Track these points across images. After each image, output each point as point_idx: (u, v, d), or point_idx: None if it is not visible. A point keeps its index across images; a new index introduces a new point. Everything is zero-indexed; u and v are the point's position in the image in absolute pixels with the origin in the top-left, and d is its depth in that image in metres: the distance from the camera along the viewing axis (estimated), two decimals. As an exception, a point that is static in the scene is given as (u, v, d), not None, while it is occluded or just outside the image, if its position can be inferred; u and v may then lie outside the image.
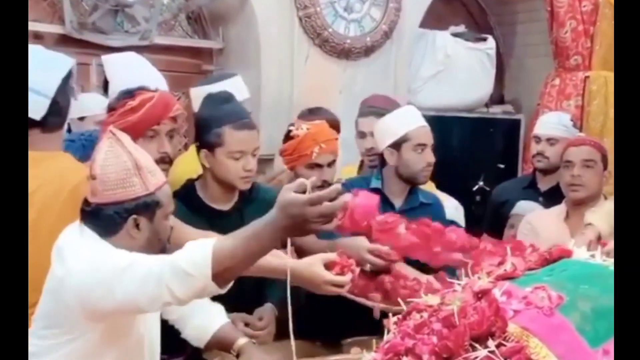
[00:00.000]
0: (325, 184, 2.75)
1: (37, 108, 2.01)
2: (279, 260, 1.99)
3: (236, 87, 2.98)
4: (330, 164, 2.78)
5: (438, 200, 3.01)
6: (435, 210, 2.90)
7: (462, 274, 1.57)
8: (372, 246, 2.51)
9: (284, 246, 1.83)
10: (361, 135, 3.22)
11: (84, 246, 1.74)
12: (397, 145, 2.79)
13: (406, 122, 2.85)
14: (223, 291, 1.66)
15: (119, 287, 1.63)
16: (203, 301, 2.11)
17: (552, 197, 3.26)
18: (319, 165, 2.74)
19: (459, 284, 1.55)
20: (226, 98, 2.49)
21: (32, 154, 1.86)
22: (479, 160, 4.71)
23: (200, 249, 1.61)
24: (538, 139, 3.50)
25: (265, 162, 3.67)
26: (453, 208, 3.34)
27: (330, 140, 2.80)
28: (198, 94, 2.90)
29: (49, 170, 2.00)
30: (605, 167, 3.00)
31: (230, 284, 1.68)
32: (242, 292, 2.00)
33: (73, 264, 1.70)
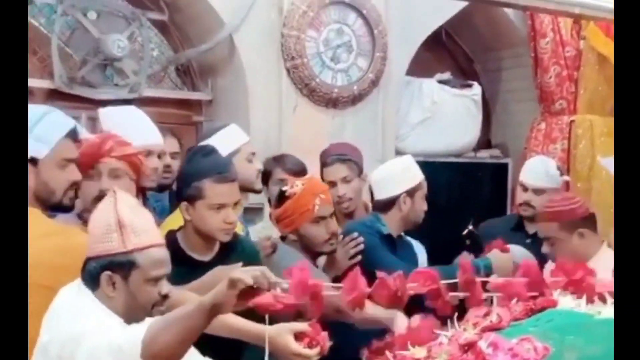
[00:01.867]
0: (333, 237, 2.77)
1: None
2: (252, 324, 1.99)
3: (232, 135, 3.03)
4: (332, 214, 2.78)
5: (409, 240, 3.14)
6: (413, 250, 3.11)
7: (449, 324, 1.58)
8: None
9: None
10: (331, 184, 3.15)
11: (69, 309, 1.74)
12: (412, 193, 2.89)
13: (419, 171, 3.04)
14: None
15: (78, 356, 1.64)
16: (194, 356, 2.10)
17: (540, 240, 3.28)
18: (323, 218, 2.72)
19: (445, 336, 1.56)
20: (208, 151, 2.52)
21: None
22: (468, 205, 4.73)
23: (139, 326, 1.63)
24: (524, 188, 3.50)
25: (254, 210, 3.69)
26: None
27: (327, 191, 2.84)
28: None
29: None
30: (581, 226, 2.85)
31: None
32: (219, 356, 2.00)
33: (56, 329, 1.71)
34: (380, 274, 1.98)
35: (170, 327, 1.60)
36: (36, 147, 2.05)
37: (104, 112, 2.69)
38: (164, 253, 1.84)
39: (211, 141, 2.87)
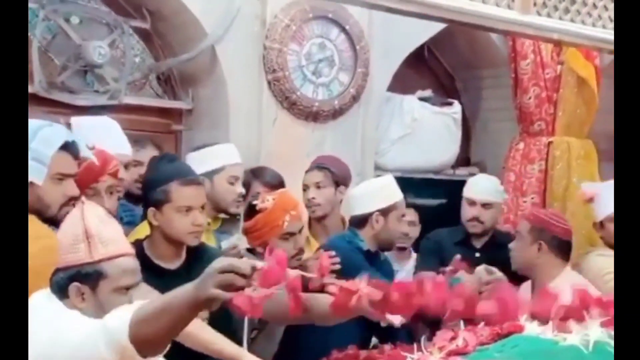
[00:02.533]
0: (300, 252, 2.78)
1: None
2: (233, 348, 1.99)
3: (222, 152, 3.08)
4: (301, 229, 2.80)
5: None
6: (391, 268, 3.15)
7: (415, 349, 1.59)
8: None
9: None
10: (304, 187, 3.32)
11: (43, 316, 1.72)
12: (385, 212, 2.90)
13: (396, 191, 3.03)
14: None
15: (57, 352, 1.62)
16: None
17: (488, 252, 3.38)
18: (292, 234, 2.73)
19: (410, 358, 1.57)
20: (171, 158, 2.55)
21: None
22: (446, 221, 4.75)
23: (126, 309, 1.61)
24: (472, 202, 3.52)
25: (231, 221, 3.68)
26: None
27: (297, 207, 2.84)
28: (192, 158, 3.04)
29: None
30: (538, 239, 3.01)
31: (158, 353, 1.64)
32: None
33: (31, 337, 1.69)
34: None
35: (158, 311, 1.57)
36: (34, 168, 2.04)
37: (76, 121, 2.69)
38: (133, 262, 1.83)
39: (200, 154, 3.01)
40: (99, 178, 2.25)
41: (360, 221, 2.98)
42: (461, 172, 4.98)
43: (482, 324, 1.65)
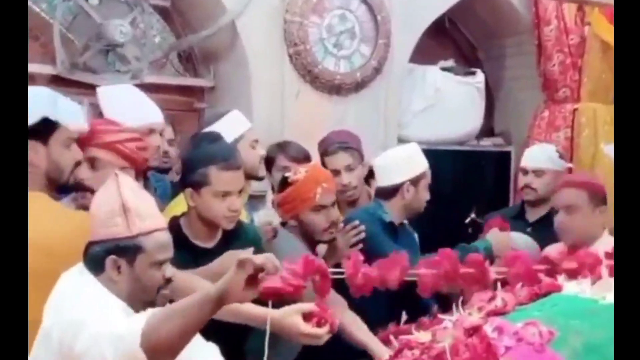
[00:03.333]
0: (333, 226, 2.76)
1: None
2: (258, 308, 1.98)
3: (235, 121, 3.01)
4: (334, 203, 2.77)
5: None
6: (414, 239, 3.10)
7: (454, 309, 1.57)
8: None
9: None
10: (335, 173, 3.12)
11: (73, 293, 1.73)
12: (416, 181, 2.88)
13: (423, 159, 3.02)
14: None
15: (78, 343, 1.62)
16: (197, 342, 2.09)
17: (541, 228, 3.27)
18: (324, 207, 2.71)
19: (449, 320, 1.56)
20: (214, 138, 2.50)
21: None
22: (470, 193, 4.72)
23: (140, 315, 1.61)
24: (525, 171, 3.51)
25: (257, 198, 3.67)
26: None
27: (329, 179, 2.81)
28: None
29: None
30: (599, 204, 2.85)
31: None
32: (224, 342, 1.99)
33: (58, 314, 1.70)
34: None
35: (173, 318, 1.58)
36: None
37: (102, 92, 2.66)
38: (167, 237, 1.83)
39: (215, 127, 2.84)
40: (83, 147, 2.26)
41: (388, 192, 2.96)
42: (485, 142, 4.94)
43: (520, 284, 1.64)
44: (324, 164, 3.22)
